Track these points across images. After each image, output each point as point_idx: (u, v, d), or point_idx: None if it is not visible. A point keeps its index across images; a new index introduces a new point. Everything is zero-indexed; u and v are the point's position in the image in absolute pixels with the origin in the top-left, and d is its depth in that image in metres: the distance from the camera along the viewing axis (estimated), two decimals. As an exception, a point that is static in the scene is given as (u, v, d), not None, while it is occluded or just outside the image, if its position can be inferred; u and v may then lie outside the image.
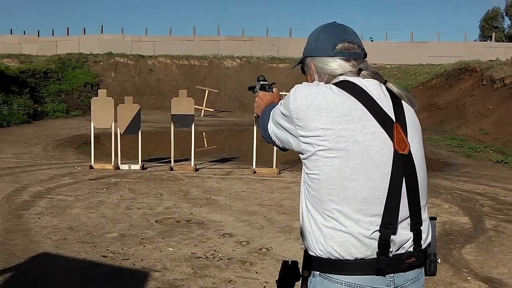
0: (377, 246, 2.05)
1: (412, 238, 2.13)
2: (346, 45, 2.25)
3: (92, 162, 12.18)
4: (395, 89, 2.22)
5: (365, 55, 2.30)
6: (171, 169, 12.19)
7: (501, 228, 8.09)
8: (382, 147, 2.06)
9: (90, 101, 12.65)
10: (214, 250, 6.50)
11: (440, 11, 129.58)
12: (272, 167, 12.34)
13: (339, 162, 2.04)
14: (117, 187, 10.12)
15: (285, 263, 2.29)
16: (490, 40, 46.65)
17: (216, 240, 6.95)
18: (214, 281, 5.50)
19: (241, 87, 34.95)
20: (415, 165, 2.13)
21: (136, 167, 12.22)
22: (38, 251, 6.32)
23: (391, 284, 2.09)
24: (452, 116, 23.60)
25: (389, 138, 2.08)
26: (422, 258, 2.17)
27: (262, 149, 12.65)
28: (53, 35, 43.36)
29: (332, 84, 2.17)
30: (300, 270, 2.23)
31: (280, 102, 2.30)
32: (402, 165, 2.09)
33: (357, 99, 2.09)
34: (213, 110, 31.72)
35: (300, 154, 2.18)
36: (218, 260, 6.14)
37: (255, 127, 12.34)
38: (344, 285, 2.06)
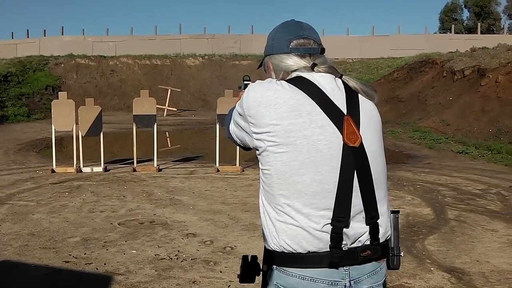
0: (329, 239, 2.06)
1: (368, 232, 2.13)
2: (301, 41, 2.27)
3: (54, 166, 12.05)
4: (350, 82, 2.23)
5: (323, 50, 2.31)
6: (134, 170, 12.12)
7: (463, 218, 8.20)
8: (331, 141, 2.08)
9: (51, 104, 12.50)
10: (178, 251, 6.47)
11: (400, 4, 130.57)
12: (236, 165, 12.35)
13: (288, 157, 2.07)
14: (80, 190, 10.02)
15: (245, 258, 2.31)
16: (450, 32, 47.07)
17: (180, 240, 6.93)
18: (179, 282, 5.48)
19: (204, 86, 34.97)
20: (368, 158, 2.13)
21: (99, 169, 12.12)
22: (-1, 259, 6.24)
23: (346, 277, 2.11)
24: (414, 108, 23.83)
25: (339, 131, 2.09)
26: (379, 252, 2.17)
27: (226, 147, 12.65)
28: (12, 38, 42.73)
29: (285, 80, 2.20)
30: (261, 265, 2.24)
31: (237, 102, 2.33)
32: (353, 158, 2.09)
33: (306, 94, 2.12)
34: (176, 109, 31.63)
35: (256, 151, 2.22)
36: (182, 261, 6.12)
37: (217, 125, 12.32)
38: (299, 278, 2.09)
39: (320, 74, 2.21)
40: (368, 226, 2.13)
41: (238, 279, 2.33)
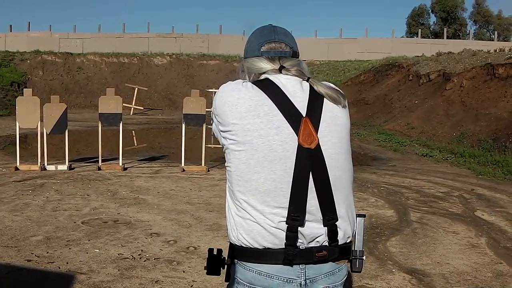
0: (284, 237, 2.12)
1: (326, 233, 2.18)
2: (272, 45, 2.35)
3: (18, 164, 11.92)
4: (315, 86, 2.26)
5: (294, 53, 2.37)
6: (99, 168, 12.04)
7: (425, 220, 8.31)
8: (285, 141, 2.14)
9: (16, 101, 12.37)
10: (141, 250, 6.46)
11: (368, 8, 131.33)
12: (201, 164, 12.34)
13: (245, 155, 2.15)
14: (43, 189, 9.93)
15: (210, 250, 2.36)
16: (417, 37, 47.51)
17: (144, 240, 6.91)
18: (141, 282, 5.47)
19: (171, 85, 34.87)
20: (326, 160, 2.17)
21: (63, 167, 12.01)
22: (-40, 257, 6.17)
23: (302, 275, 2.17)
24: (380, 111, 24.04)
25: (294, 133, 2.14)
26: (336, 253, 2.21)
27: (191, 147, 12.66)
28: (-23, 33, 42.19)
29: (252, 81, 2.27)
30: (226, 258, 2.31)
31: None
32: (309, 159, 2.15)
33: (267, 95, 2.19)
34: (142, 108, 31.46)
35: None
36: (145, 260, 6.11)
37: (183, 125, 12.30)
38: (255, 272, 2.16)
39: (286, 76, 2.26)
40: (325, 228, 2.18)
41: (205, 271, 2.38)
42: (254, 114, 2.15)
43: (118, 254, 6.31)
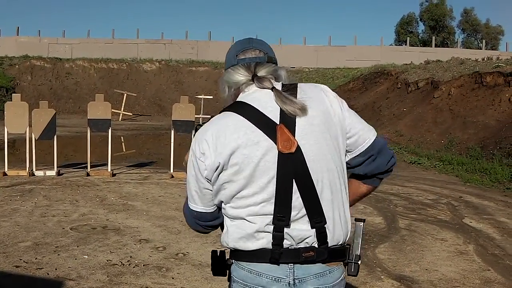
0: (271, 237, 2.19)
1: (314, 235, 2.21)
2: (246, 53, 2.38)
3: (6, 169, 11.87)
4: (275, 98, 2.25)
5: (270, 58, 2.39)
6: (88, 174, 12.02)
7: (413, 227, 8.34)
8: (266, 154, 2.19)
9: (4, 106, 12.33)
10: (130, 257, 6.45)
11: (357, 16, 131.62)
12: (191, 171, 12.30)
13: (235, 177, 2.23)
14: (32, 194, 9.89)
15: (213, 252, 2.43)
16: (405, 45, 47.80)
17: (133, 246, 6.90)
18: (130, 288, 5.47)
19: (160, 91, 34.86)
20: (307, 162, 2.20)
21: (52, 173, 11.98)
22: None
23: (290, 275, 2.22)
24: (369, 119, 24.02)
25: (273, 142, 2.18)
26: (325, 255, 2.23)
27: (180, 153, 12.57)
28: (-35, 38, 42.03)
29: (225, 109, 2.34)
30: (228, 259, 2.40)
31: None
32: (290, 163, 2.19)
33: (241, 116, 2.24)
34: (131, 114, 31.47)
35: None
36: (134, 267, 6.10)
37: (172, 131, 12.30)
38: (247, 271, 2.25)
39: (257, 89, 2.31)
40: (313, 229, 2.21)
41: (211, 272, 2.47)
42: (234, 137, 2.21)
43: (107, 261, 6.29)
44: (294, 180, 2.19)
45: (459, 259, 6.81)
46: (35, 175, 11.86)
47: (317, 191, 2.22)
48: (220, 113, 2.34)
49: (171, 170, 12.28)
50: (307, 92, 2.31)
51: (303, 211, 2.19)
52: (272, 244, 2.19)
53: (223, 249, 2.42)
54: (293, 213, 2.18)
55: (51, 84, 34.50)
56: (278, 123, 2.21)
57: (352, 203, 2.47)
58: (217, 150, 2.22)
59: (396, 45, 57.22)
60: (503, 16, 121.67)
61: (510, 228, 8.48)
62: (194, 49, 40.41)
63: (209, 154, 2.24)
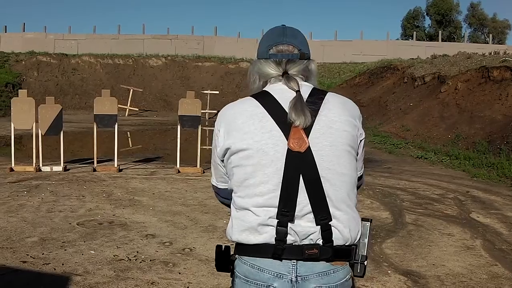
0: (275, 232, 2.18)
1: (319, 232, 2.20)
2: (280, 47, 2.37)
3: (13, 165, 11.89)
4: (293, 100, 2.25)
5: (302, 55, 2.38)
6: (94, 170, 12.03)
7: (420, 222, 8.32)
8: (276, 144, 2.20)
9: (11, 101, 12.35)
10: (137, 252, 6.45)
11: (363, 10, 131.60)
12: (196, 166, 12.34)
13: (244, 162, 2.27)
14: (39, 190, 9.91)
15: (218, 247, 2.44)
16: (412, 39, 47.73)
17: (139, 241, 6.90)
18: (137, 283, 5.46)
19: (166, 86, 34.86)
20: (316, 161, 2.20)
21: (58, 168, 11.99)
22: (-45, 258, 6.14)
23: (293, 271, 2.21)
24: (375, 113, 24.07)
25: (285, 137, 2.20)
26: (329, 253, 2.21)
27: (187, 148, 12.65)
28: (-28, 34, 42.10)
29: (252, 94, 2.37)
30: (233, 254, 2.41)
31: None
32: (298, 161, 2.19)
33: (260, 104, 2.27)
34: (137, 109, 31.50)
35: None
36: (140, 262, 6.10)
37: (179, 126, 12.30)
38: (249, 266, 2.25)
39: (286, 83, 2.32)
40: (318, 227, 2.20)
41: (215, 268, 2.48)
42: (249, 122, 2.25)
43: (114, 256, 6.29)
44: (301, 177, 2.19)
45: (466, 254, 6.79)
46: (41, 171, 11.88)
47: (324, 190, 2.21)
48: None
49: (178, 165, 12.28)
50: (331, 105, 2.31)
51: (308, 207, 2.19)
52: (275, 239, 2.18)
53: (228, 244, 2.42)
54: (297, 209, 2.18)
55: (57, 80, 34.53)
56: None
57: None
58: (230, 133, 2.27)
59: (402, 39, 57.22)
60: (510, 10, 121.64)
61: (517, 223, 8.46)
62: (200, 44, 40.41)
63: (222, 134, 2.31)
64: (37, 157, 12.02)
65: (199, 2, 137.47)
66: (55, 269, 5.83)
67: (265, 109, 2.25)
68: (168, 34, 41.88)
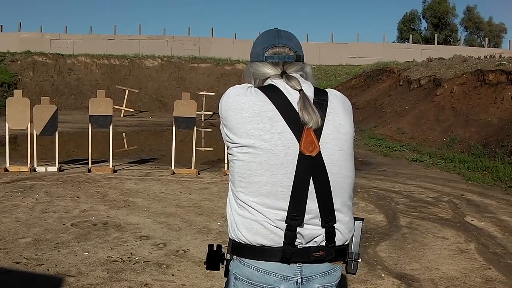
0: (283, 235, 2.18)
1: (324, 234, 2.23)
2: (276, 49, 2.39)
3: (7, 165, 11.87)
4: (301, 101, 2.26)
5: (298, 57, 2.40)
6: (89, 170, 12.01)
7: (414, 225, 8.32)
8: (288, 146, 2.19)
9: (6, 101, 12.32)
10: (131, 253, 6.44)
11: (359, 13, 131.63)
12: (191, 167, 12.33)
13: (248, 157, 2.21)
14: (33, 190, 9.89)
15: (210, 246, 2.43)
16: (408, 42, 47.80)
17: (133, 243, 6.89)
18: (130, 285, 5.45)
19: (162, 87, 34.84)
20: (327, 167, 2.22)
21: (53, 169, 11.97)
22: None
23: (299, 274, 2.23)
24: (370, 116, 24.09)
25: (296, 140, 2.19)
26: (333, 254, 2.26)
27: (182, 149, 12.63)
28: (-33, 33, 42.02)
29: (258, 87, 2.34)
30: (226, 254, 2.39)
31: None
32: (309, 165, 2.19)
33: (271, 101, 2.24)
34: (133, 110, 31.46)
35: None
36: (134, 263, 6.09)
37: (174, 128, 12.30)
38: (253, 269, 2.23)
39: (290, 82, 2.31)
40: (323, 229, 2.23)
41: (205, 266, 2.46)
42: (258, 119, 2.21)
43: (107, 257, 6.28)
44: (311, 180, 2.20)
45: (460, 257, 6.80)
46: (36, 171, 11.85)
47: (332, 194, 2.23)
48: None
49: (173, 167, 12.27)
50: (335, 106, 2.34)
51: (316, 211, 2.21)
52: (284, 243, 2.18)
53: (219, 243, 2.42)
54: (307, 213, 2.19)
55: (53, 80, 34.49)
56: None
57: None
58: (235, 124, 2.24)
59: (398, 42, 57.31)
60: (506, 14, 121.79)
61: (511, 227, 8.46)
62: (196, 45, 40.40)
63: (227, 122, 2.28)
64: (32, 157, 11.99)
65: (195, 3, 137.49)
66: (48, 270, 5.81)
67: (275, 106, 2.23)
68: (164, 35, 41.86)
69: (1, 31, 41.49)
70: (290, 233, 2.17)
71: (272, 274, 2.21)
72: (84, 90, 33.30)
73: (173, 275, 5.79)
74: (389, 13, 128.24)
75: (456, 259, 6.70)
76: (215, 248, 2.42)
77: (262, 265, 2.21)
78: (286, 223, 2.17)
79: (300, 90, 2.28)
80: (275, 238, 2.18)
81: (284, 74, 2.33)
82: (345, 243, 2.31)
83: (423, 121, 20.10)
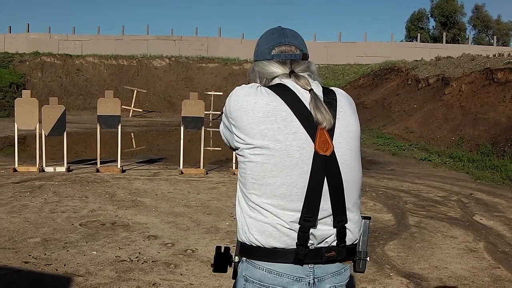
0: (296, 237, 2.16)
1: (335, 234, 2.23)
2: (282, 48, 2.36)
3: (16, 165, 11.91)
4: (313, 101, 2.25)
5: (304, 56, 2.38)
6: (97, 170, 12.03)
7: (423, 224, 8.30)
8: (302, 147, 2.17)
9: (15, 102, 12.36)
10: (139, 253, 6.44)
11: (367, 12, 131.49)
12: (200, 167, 12.33)
13: (262, 159, 2.18)
14: (42, 190, 9.91)
15: (217, 248, 2.42)
16: (416, 41, 47.64)
17: (141, 242, 6.90)
18: (139, 284, 5.46)
19: (170, 87, 34.85)
20: (340, 166, 2.22)
21: (62, 169, 12.00)
22: (-43, 258, 6.14)
23: (311, 274, 2.22)
24: (379, 115, 24.04)
25: (311, 139, 2.18)
26: (344, 254, 2.27)
27: (190, 149, 12.64)
28: (-24, 34, 42.15)
29: (267, 86, 2.30)
30: (233, 256, 2.37)
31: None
32: (324, 165, 2.19)
33: (283, 101, 2.22)
34: (141, 110, 31.48)
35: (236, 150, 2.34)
36: (142, 263, 6.10)
37: (182, 128, 12.31)
38: (265, 271, 2.21)
39: (299, 82, 2.30)
40: (335, 229, 2.23)
41: (212, 268, 2.45)
42: (271, 119, 2.18)
43: (116, 257, 6.29)
44: (325, 180, 2.19)
45: (469, 256, 6.78)
46: (45, 171, 11.89)
47: (345, 194, 2.23)
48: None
49: (181, 167, 12.28)
50: (343, 105, 2.34)
51: (329, 211, 2.20)
52: (297, 245, 2.17)
53: (227, 243, 2.41)
54: (320, 215, 2.18)
55: (61, 80, 34.54)
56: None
57: None
58: (246, 125, 2.21)
59: (406, 41, 57.21)
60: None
61: (520, 226, 8.44)
62: (204, 45, 40.41)
63: (239, 125, 2.25)
64: (41, 157, 12.03)
65: (203, 3, 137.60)
66: (57, 269, 5.83)
67: (289, 106, 2.21)
68: (172, 35, 41.90)
69: (10, 32, 41.63)
70: (303, 234, 2.16)
71: (284, 276, 2.20)
72: (92, 91, 33.33)
73: (181, 274, 5.79)
74: (397, 12, 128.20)
75: (464, 258, 6.68)
76: (222, 250, 2.41)
77: (274, 266, 2.20)
78: (299, 224, 2.16)
79: (311, 90, 2.27)
80: (288, 240, 2.16)
81: (292, 73, 2.31)
82: (354, 242, 2.31)
83: (431, 120, 20.05)
